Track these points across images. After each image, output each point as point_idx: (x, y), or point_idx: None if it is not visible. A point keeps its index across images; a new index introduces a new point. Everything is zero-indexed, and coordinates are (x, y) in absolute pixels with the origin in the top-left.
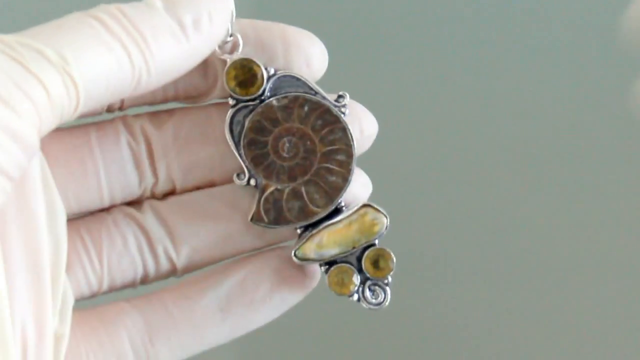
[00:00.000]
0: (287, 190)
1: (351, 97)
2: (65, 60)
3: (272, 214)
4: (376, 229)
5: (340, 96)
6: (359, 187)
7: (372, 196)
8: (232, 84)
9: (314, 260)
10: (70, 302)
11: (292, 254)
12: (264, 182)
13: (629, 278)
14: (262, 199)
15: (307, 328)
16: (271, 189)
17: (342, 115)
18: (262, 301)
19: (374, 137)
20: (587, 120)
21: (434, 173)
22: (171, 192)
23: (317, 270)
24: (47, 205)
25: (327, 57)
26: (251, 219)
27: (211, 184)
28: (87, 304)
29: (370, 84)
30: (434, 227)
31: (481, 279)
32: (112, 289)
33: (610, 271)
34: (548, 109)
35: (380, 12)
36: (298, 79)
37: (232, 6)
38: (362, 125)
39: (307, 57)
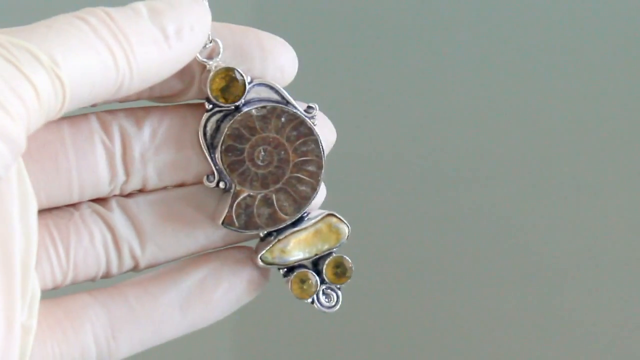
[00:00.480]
0: (259, 197)
1: (320, 101)
2: (55, 63)
3: (242, 218)
4: (339, 237)
5: (310, 107)
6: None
7: (375, 199)
8: (216, 91)
9: (277, 265)
10: (38, 295)
11: (258, 257)
12: (237, 187)
13: (629, 278)
14: (235, 204)
15: (305, 328)
16: (244, 194)
17: (315, 128)
18: (219, 300)
19: (333, 144)
20: (585, 120)
21: (429, 175)
22: (139, 190)
23: (269, 272)
24: (20, 198)
25: (297, 64)
26: (222, 222)
27: (181, 185)
28: (48, 295)
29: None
30: (431, 229)
31: (478, 280)
32: (74, 283)
33: (610, 272)
34: (543, 111)
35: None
36: (272, 88)
37: (210, 18)
38: (324, 134)
39: (281, 65)
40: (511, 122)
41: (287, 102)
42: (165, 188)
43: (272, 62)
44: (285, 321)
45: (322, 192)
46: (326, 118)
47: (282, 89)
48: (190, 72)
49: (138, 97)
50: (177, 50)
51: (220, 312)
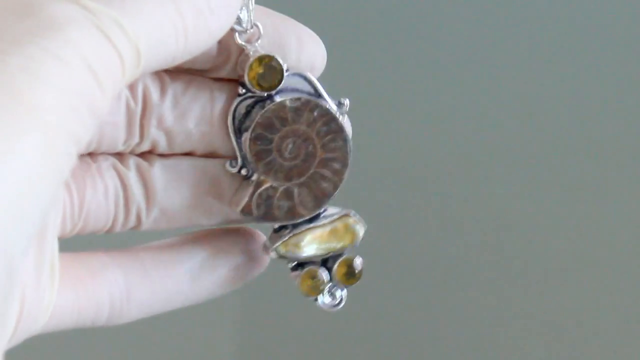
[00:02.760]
0: (280, 189)
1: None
2: (137, 36)
3: (262, 209)
4: (354, 238)
5: (340, 102)
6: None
7: (373, 198)
8: (253, 78)
9: (289, 259)
10: (57, 245)
11: (272, 249)
12: (261, 177)
13: (629, 278)
14: (256, 193)
15: (306, 328)
16: (266, 185)
17: (345, 126)
18: (226, 277)
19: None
20: (586, 121)
21: (432, 174)
22: (147, 152)
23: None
24: None
25: (326, 60)
26: (241, 210)
27: (190, 154)
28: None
29: (365, 84)
30: (433, 229)
31: (480, 281)
32: (79, 234)
33: (611, 273)
34: (546, 110)
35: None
36: (306, 79)
37: None
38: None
39: (313, 59)
40: (511, 122)
41: (319, 95)
42: (185, 155)
43: (306, 55)
44: (288, 320)
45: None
46: (347, 120)
47: (316, 81)
48: (227, 51)
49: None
50: (216, 23)
51: (224, 288)
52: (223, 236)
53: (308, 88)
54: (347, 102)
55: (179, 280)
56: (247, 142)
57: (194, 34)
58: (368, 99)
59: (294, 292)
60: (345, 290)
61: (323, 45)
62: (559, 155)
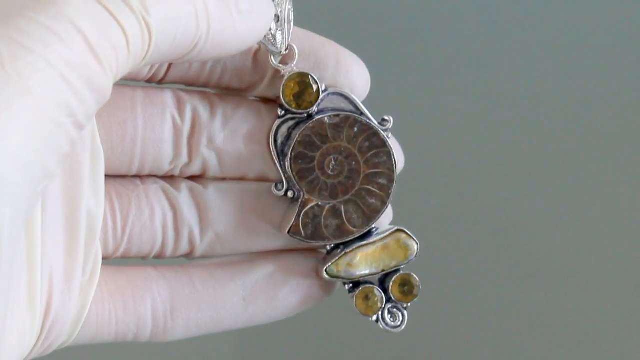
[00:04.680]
0: (327, 207)
1: None
2: (145, 8)
3: (309, 228)
4: (407, 254)
5: (384, 119)
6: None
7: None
8: (289, 97)
9: (342, 279)
10: (100, 259)
11: (324, 270)
12: (305, 196)
13: (630, 279)
14: (302, 213)
15: (307, 328)
16: (312, 204)
17: (389, 140)
18: (284, 299)
19: (399, 170)
20: (588, 121)
21: (435, 175)
22: (199, 176)
23: (335, 285)
24: (91, 157)
25: (369, 85)
26: (288, 231)
27: (242, 179)
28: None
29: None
30: (434, 229)
31: (482, 281)
32: (124, 257)
33: (613, 274)
34: (548, 110)
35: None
36: (346, 98)
37: (273, 11)
38: None
39: (352, 83)
40: (512, 121)
41: (361, 113)
42: (239, 179)
43: (343, 77)
44: (289, 320)
45: (386, 214)
46: (397, 143)
47: (356, 99)
48: (263, 70)
49: (206, 82)
50: (245, 26)
51: (283, 312)
52: (284, 257)
53: (350, 107)
54: (390, 119)
55: (229, 299)
56: (289, 162)
57: (218, 24)
58: (371, 100)
59: (355, 309)
60: (406, 311)
61: (365, 68)
62: (560, 155)
